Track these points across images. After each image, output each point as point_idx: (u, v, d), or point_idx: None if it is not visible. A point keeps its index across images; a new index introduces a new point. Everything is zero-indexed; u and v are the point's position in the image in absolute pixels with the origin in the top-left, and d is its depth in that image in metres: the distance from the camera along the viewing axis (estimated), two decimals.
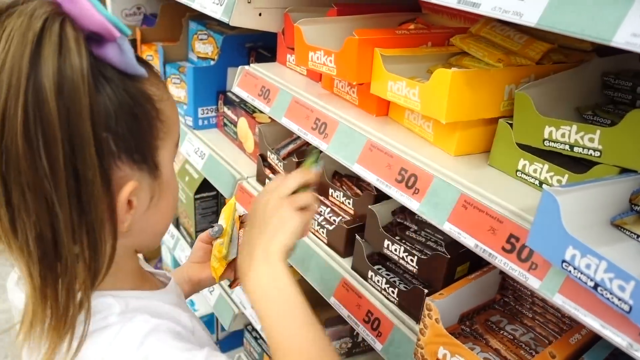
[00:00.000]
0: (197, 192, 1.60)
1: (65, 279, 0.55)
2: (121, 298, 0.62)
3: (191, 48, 1.63)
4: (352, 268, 0.97)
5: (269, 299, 0.63)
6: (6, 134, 0.49)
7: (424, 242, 0.89)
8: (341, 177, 1.11)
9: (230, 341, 1.74)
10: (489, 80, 0.73)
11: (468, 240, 0.67)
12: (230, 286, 0.90)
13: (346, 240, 0.99)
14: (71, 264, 0.54)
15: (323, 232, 1.03)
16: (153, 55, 1.73)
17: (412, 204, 0.74)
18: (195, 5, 1.22)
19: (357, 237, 0.94)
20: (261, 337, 1.52)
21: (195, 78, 1.42)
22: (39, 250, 0.53)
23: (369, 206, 0.91)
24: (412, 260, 0.85)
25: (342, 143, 0.88)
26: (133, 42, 1.79)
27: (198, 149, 1.42)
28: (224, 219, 0.90)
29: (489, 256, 0.65)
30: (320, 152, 0.83)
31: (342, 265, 0.98)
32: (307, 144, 1.05)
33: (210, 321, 1.76)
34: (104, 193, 0.54)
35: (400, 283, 0.89)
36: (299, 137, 1.18)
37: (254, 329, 1.53)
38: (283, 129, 1.08)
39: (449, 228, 0.69)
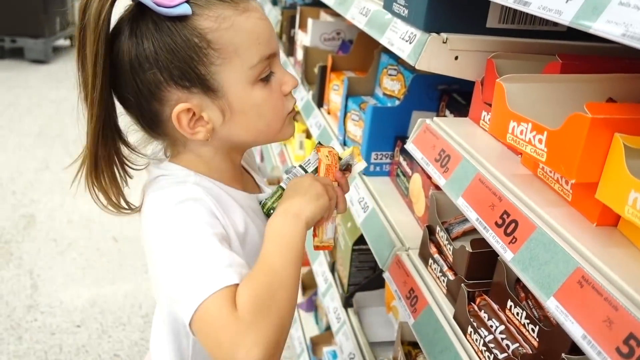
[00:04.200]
0: (356, 243, 1.42)
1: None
2: (199, 176, 0.77)
3: (379, 82, 1.46)
4: None
5: (280, 234, 0.71)
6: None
7: None
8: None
9: None
10: None
11: None
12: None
13: None
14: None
15: (489, 358, 0.76)
16: (339, 85, 1.61)
17: None
18: (383, 40, 1.05)
19: None
20: None
21: (372, 119, 1.24)
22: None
23: (564, 355, 0.62)
24: None
25: (537, 259, 0.61)
26: (323, 69, 1.71)
27: (362, 199, 1.25)
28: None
29: None
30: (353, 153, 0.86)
31: None
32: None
33: None
34: (160, 110, 0.74)
35: None
36: None
37: None
38: None
39: None
